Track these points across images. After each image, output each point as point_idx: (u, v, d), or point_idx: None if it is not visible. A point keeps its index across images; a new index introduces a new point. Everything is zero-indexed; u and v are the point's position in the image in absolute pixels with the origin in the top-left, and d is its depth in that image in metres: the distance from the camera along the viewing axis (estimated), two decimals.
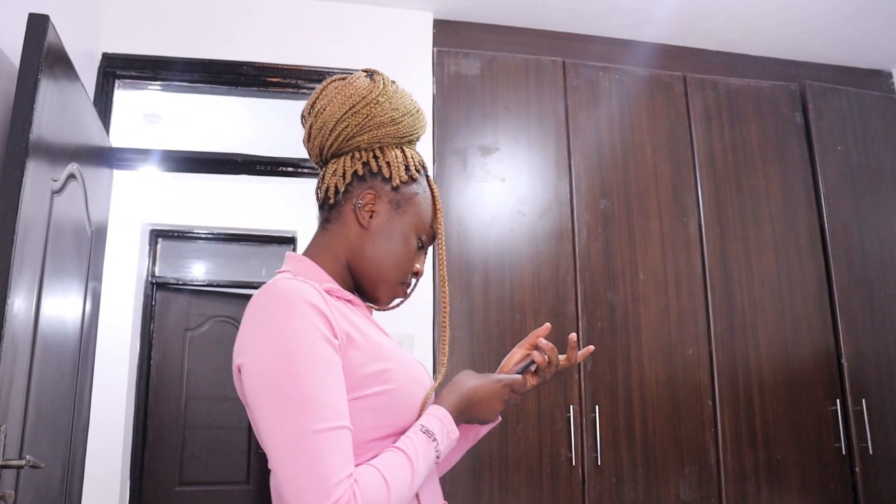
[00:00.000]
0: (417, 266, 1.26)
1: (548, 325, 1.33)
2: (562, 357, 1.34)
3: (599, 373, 2.74)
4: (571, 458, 2.65)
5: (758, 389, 2.87)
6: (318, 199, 1.27)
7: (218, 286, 4.86)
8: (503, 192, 2.84)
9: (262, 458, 4.68)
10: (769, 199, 3.07)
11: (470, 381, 1.22)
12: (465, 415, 1.20)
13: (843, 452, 2.89)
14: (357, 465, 1.02)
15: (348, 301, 1.19)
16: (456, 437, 1.16)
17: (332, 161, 1.25)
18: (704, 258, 2.93)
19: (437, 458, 1.11)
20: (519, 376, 1.26)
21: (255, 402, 1.02)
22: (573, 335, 1.32)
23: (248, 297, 4.96)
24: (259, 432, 1.02)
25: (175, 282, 4.70)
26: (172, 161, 2.95)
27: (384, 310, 1.31)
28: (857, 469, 2.86)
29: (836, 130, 3.22)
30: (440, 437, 1.11)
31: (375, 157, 1.22)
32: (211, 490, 4.52)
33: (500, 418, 1.37)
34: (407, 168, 1.24)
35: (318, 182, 1.27)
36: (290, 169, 2.99)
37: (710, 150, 3.05)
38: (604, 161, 2.94)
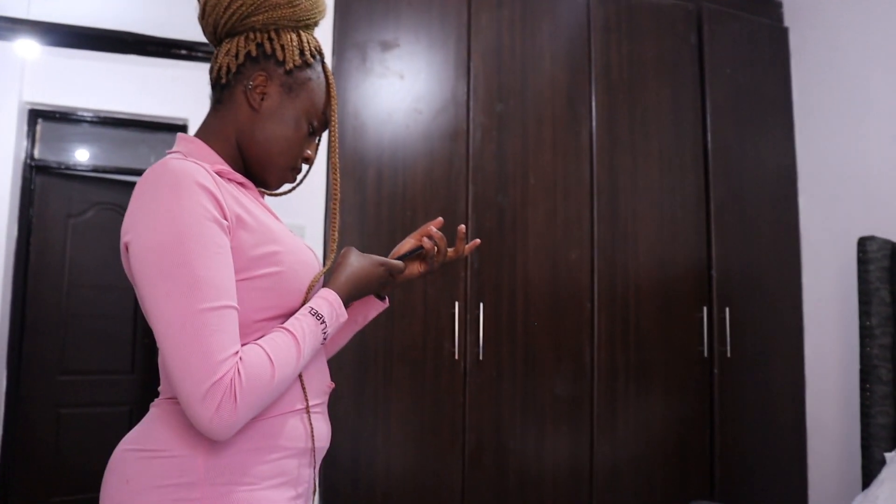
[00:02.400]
0: (308, 152, 1.27)
1: (440, 218, 1.37)
2: (450, 249, 1.39)
3: (486, 272, 2.82)
4: (454, 352, 2.75)
5: (633, 294, 3.03)
6: (210, 79, 1.25)
7: (104, 172, 4.66)
8: (401, 90, 2.83)
9: (148, 348, 4.63)
10: (659, 115, 3.17)
11: (355, 262, 1.25)
12: (352, 297, 1.23)
13: (705, 356, 3.11)
14: (244, 345, 1.04)
15: (240, 184, 1.19)
16: (344, 320, 1.19)
17: (226, 41, 1.23)
18: (593, 167, 3.02)
19: (324, 339, 1.14)
20: (400, 262, 1.30)
21: (141, 281, 1.02)
22: (462, 227, 1.37)
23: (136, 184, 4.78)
24: (146, 310, 1.02)
25: (57, 166, 4.46)
26: (55, 35, 2.79)
27: (274, 194, 1.32)
28: (715, 371, 3.09)
29: (727, 54, 3.33)
30: (329, 319, 1.14)
31: (270, 39, 1.21)
32: (94, 379, 4.45)
33: (387, 302, 1.42)
34: (302, 52, 1.22)
35: (212, 62, 1.24)
36: (183, 52, 2.88)
37: (606, 62, 3.11)
38: (503, 65, 2.95)
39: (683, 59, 3.25)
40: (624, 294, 3.02)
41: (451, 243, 1.40)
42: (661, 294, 3.08)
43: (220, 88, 1.22)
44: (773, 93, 3.45)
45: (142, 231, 1.02)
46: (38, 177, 4.35)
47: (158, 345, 1.01)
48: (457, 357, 2.75)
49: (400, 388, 2.69)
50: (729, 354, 3.12)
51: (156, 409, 1.13)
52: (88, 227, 4.49)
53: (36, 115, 4.29)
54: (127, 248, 1.05)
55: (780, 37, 3.52)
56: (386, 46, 2.83)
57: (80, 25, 2.88)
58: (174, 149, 1.18)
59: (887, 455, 2.63)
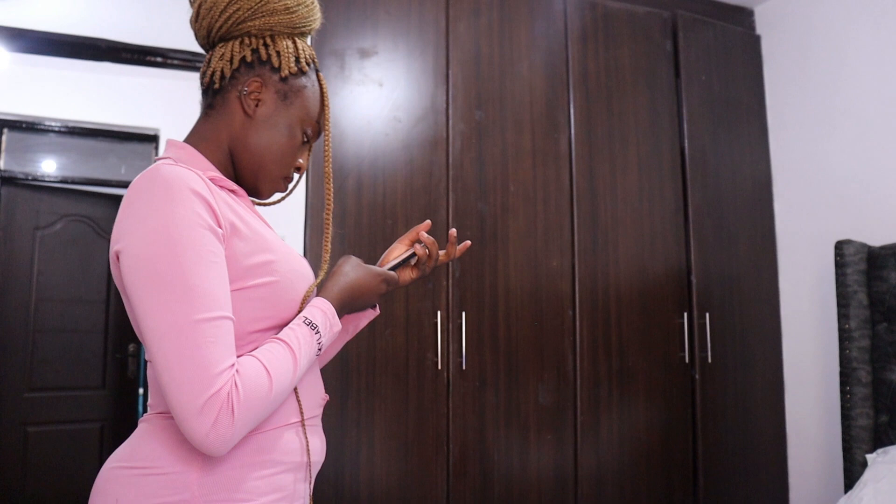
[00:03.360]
0: (301, 160, 1.25)
1: (428, 221, 1.36)
2: (441, 252, 1.37)
3: (467, 280, 2.81)
4: (437, 362, 2.72)
5: (615, 301, 3.03)
6: (202, 83, 1.22)
7: (73, 183, 4.56)
8: (380, 98, 2.80)
9: (120, 363, 4.53)
10: (636, 122, 3.18)
11: (351, 273, 1.22)
12: (346, 307, 1.21)
13: (686, 361, 3.12)
14: (238, 357, 1.01)
15: (232, 191, 1.16)
16: (338, 331, 1.17)
17: (220, 45, 1.20)
18: (572, 174, 3.02)
19: (319, 350, 1.11)
20: (394, 274, 1.29)
21: (133, 291, 0.98)
22: (453, 230, 1.36)
23: (106, 196, 4.69)
24: (138, 321, 0.99)
25: (24, 177, 4.36)
26: (24, 41, 2.72)
27: (264, 204, 1.29)
28: (696, 376, 3.10)
29: (702, 61, 3.36)
30: (323, 329, 1.12)
31: (266, 45, 1.18)
32: (64, 395, 4.34)
33: (378, 310, 1.39)
34: (297, 60, 1.21)
35: (203, 66, 1.22)
36: (158, 59, 2.82)
37: (584, 70, 3.11)
38: (481, 73, 2.94)
39: (659, 67, 3.27)
40: (605, 301, 3.02)
41: (440, 247, 1.39)
42: (642, 300, 3.08)
43: (213, 93, 1.20)
44: (747, 99, 3.49)
45: (134, 239, 0.99)
46: (4, 188, 4.25)
47: (151, 357, 0.97)
48: (440, 367, 2.73)
49: (383, 400, 2.66)
50: (710, 360, 3.13)
51: (145, 425, 1.09)
52: (57, 240, 4.39)
53: (1, 125, 4.19)
54: (118, 258, 1.02)
55: (752, 44, 3.56)
56: (364, 54, 2.80)
57: (51, 31, 2.80)
58: (164, 154, 1.15)
59: (868, 457, 2.66)
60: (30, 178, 4.40)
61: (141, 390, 4.68)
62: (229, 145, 1.18)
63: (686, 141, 3.24)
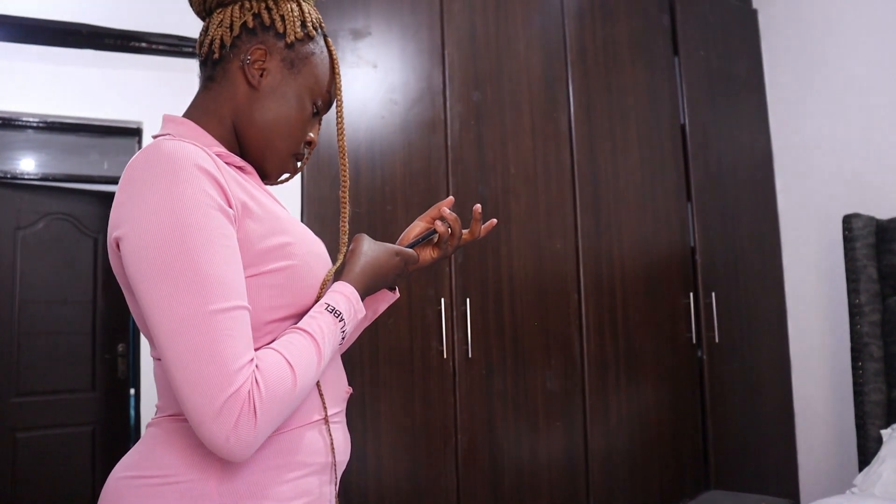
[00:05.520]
0: (311, 135, 1.14)
1: (451, 197, 1.27)
2: (465, 231, 1.29)
3: (470, 266, 2.73)
4: (443, 350, 2.64)
5: (620, 283, 2.97)
6: (200, 54, 1.11)
7: (54, 180, 4.42)
8: (375, 79, 2.71)
9: (109, 363, 4.41)
10: (636, 99, 3.11)
11: (370, 252, 1.13)
12: (368, 291, 1.11)
13: (693, 341, 3.06)
14: (256, 350, 0.91)
15: (239, 168, 1.06)
16: (362, 316, 1.07)
17: (218, 11, 1.09)
18: (573, 154, 2.95)
19: (343, 339, 1.02)
20: (413, 252, 1.20)
21: (138, 281, 0.87)
22: (478, 206, 1.26)
23: (89, 193, 4.55)
24: (144, 314, 0.88)
25: (3, 175, 4.22)
26: (1, 29, 2.59)
27: (271, 184, 1.20)
28: (703, 356, 3.05)
29: (699, 36, 3.29)
30: (347, 316, 1.02)
31: (268, 9, 1.07)
32: (52, 399, 4.21)
33: (398, 293, 1.31)
34: (304, 24, 1.10)
35: (201, 35, 1.11)
36: (142, 45, 2.69)
37: (581, 47, 3.04)
38: (477, 52, 2.86)
39: (657, 43, 3.21)
40: (610, 283, 2.95)
41: (464, 225, 1.31)
42: (647, 281, 3.02)
43: (213, 64, 1.09)
44: (746, 74, 3.43)
45: (137, 224, 0.88)
46: None
47: (160, 353, 0.87)
48: (445, 356, 2.65)
49: (388, 391, 2.58)
50: (717, 339, 3.08)
51: (155, 429, 0.99)
52: (39, 240, 4.25)
53: None
54: (118, 245, 0.91)
55: (749, 18, 3.51)
56: (357, 35, 2.71)
57: (28, 17, 2.65)
58: (162, 131, 1.04)
59: (884, 432, 2.61)
60: (9, 176, 4.27)
61: (132, 391, 4.57)
62: (233, 120, 1.08)
63: (686, 118, 3.18)
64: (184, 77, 3.89)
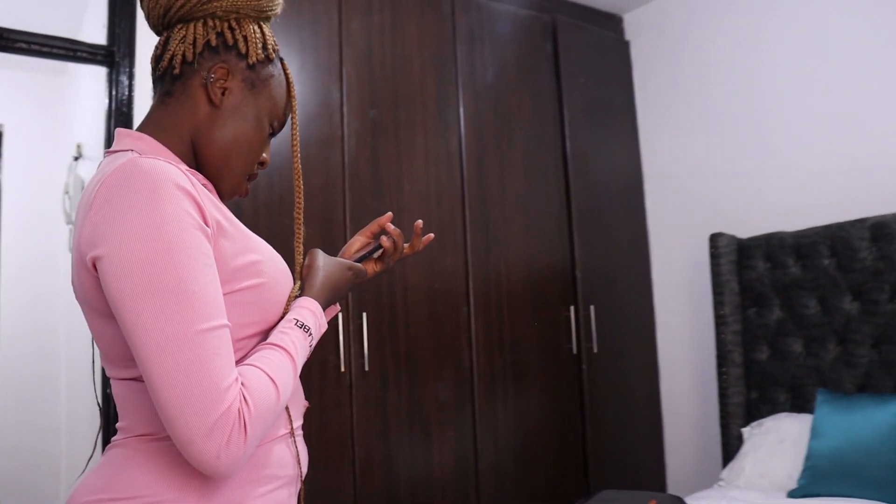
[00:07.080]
0: (265, 155, 1.16)
1: (390, 213, 1.33)
2: (406, 245, 1.35)
3: (366, 281, 2.77)
4: (340, 364, 2.68)
5: (507, 297, 3.11)
6: (157, 68, 1.10)
7: None
8: None
9: None
10: (521, 122, 3.28)
11: (326, 267, 1.18)
12: (328, 303, 1.16)
13: (574, 352, 3.25)
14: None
15: (204, 185, 1.07)
16: (324, 330, 1.12)
17: (179, 26, 1.09)
18: (464, 173, 3.07)
19: (310, 352, 1.06)
20: (362, 266, 1.27)
21: (123, 300, 0.87)
22: (419, 222, 1.34)
23: None
24: (127, 333, 0.88)
25: None
26: None
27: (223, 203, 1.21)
28: (583, 366, 3.24)
29: (580, 64, 3.50)
30: (314, 331, 1.06)
31: (231, 29, 1.09)
32: None
33: (339, 307, 1.36)
34: (265, 46, 1.12)
35: (158, 49, 1.11)
36: (5, 42, 2.47)
37: (472, 70, 3.17)
38: (374, 71, 2.92)
39: (542, 69, 3.38)
40: (497, 297, 3.09)
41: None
42: (532, 295, 3.18)
43: (172, 80, 1.08)
44: (620, 101, 3.68)
45: (118, 243, 0.87)
46: None
47: (144, 373, 0.87)
48: (342, 369, 2.69)
49: None
50: (595, 350, 3.28)
51: (122, 450, 0.97)
52: None
53: None
54: (94, 266, 0.90)
55: (622, 49, 3.76)
56: None
57: None
58: (124, 147, 1.02)
59: (744, 430, 2.88)
60: None
61: None
62: (192, 137, 1.08)
63: (567, 141, 3.37)
64: (49, 79, 3.71)
